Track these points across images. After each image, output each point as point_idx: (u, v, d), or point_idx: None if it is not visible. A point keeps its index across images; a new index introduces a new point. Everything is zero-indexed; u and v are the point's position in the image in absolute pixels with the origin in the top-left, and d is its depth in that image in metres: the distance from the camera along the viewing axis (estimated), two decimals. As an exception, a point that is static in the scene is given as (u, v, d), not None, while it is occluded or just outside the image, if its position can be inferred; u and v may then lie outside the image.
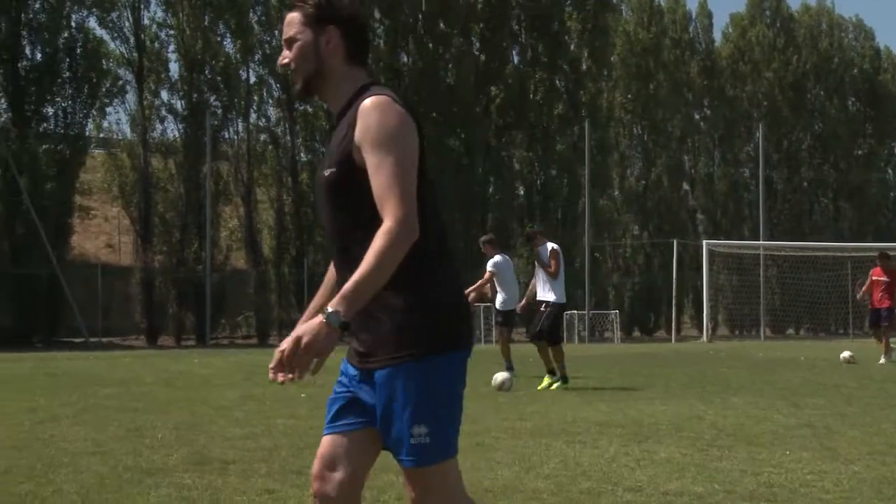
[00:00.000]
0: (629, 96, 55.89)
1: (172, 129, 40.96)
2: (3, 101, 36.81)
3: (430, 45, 44.63)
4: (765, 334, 45.20)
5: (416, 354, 2.88)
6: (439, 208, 3.03)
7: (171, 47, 40.36)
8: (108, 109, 39.69)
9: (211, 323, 38.65)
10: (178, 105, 40.35)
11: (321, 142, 43.02)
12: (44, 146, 36.76)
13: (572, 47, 51.32)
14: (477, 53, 47.49)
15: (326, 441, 3.09)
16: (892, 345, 18.27)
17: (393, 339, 2.89)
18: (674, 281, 43.36)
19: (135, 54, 39.78)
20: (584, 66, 51.57)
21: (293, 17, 3.02)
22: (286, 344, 2.75)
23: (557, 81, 50.58)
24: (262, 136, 42.77)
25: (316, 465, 3.09)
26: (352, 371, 3.06)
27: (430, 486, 3.00)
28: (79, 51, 37.87)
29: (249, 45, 41.30)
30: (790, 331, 52.43)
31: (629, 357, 17.90)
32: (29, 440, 8.02)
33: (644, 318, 54.34)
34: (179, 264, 39.67)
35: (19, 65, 36.77)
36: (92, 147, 39.51)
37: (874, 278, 18.47)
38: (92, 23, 38.33)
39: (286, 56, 3.04)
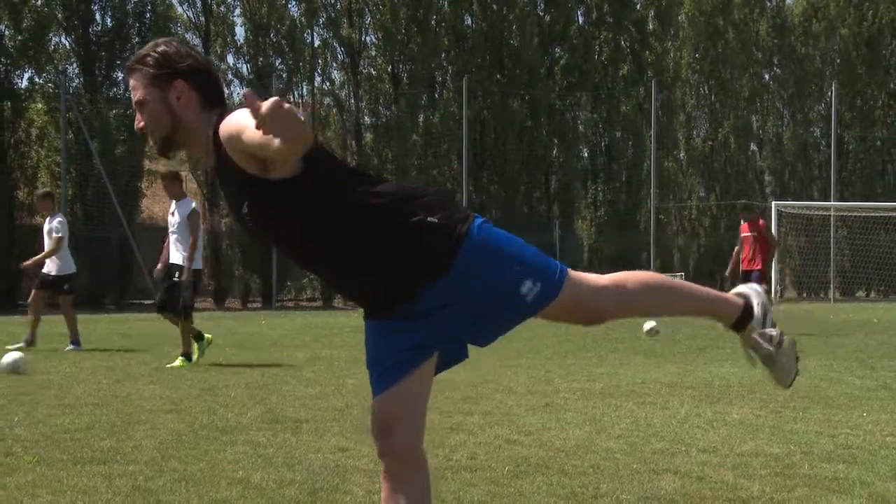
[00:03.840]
0: (696, 56, 54.96)
1: (238, 93, 41.18)
2: (75, 66, 37.32)
3: (494, 6, 44.25)
4: (834, 297, 44.48)
5: (458, 239, 3.02)
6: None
7: (237, 11, 40.58)
8: (180, 72, 39.95)
9: (276, 286, 39.04)
10: (244, 69, 40.64)
11: (385, 105, 43.00)
12: (114, 111, 37.24)
13: (638, 7, 50.56)
14: (541, 14, 47.00)
15: (380, 400, 3.22)
16: None
17: (419, 258, 2.99)
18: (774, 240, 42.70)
19: (202, 18, 40.07)
20: (651, 26, 50.80)
21: (136, 79, 2.98)
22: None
23: (623, 42, 49.89)
24: (327, 100, 42.86)
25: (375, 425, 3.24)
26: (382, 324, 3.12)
27: (574, 301, 3.15)
28: (147, 16, 38.23)
29: (314, 7, 41.29)
30: (860, 293, 51.52)
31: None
32: (108, 398, 8.19)
33: (710, 280, 53.76)
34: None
35: (90, 30, 37.24)
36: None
37: (742, 235, 16.78)
38: (161, -13, 38.62)
39: (140, 120, 3.00)
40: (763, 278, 15.76)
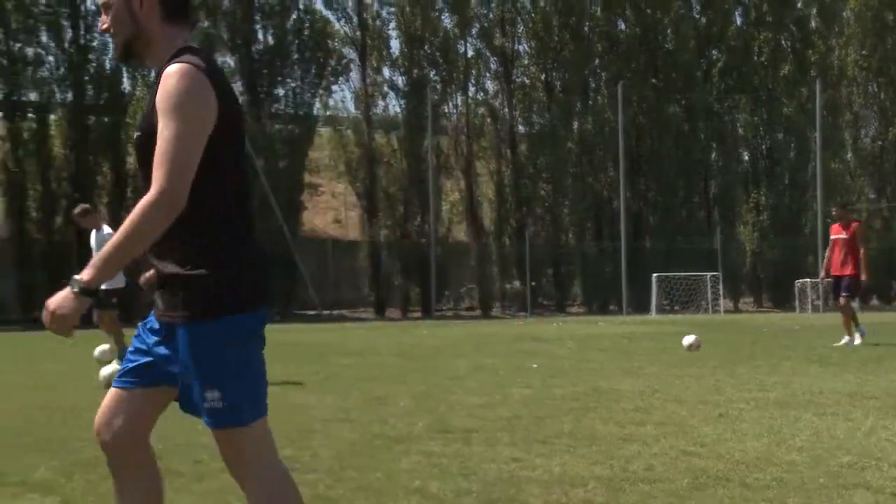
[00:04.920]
0: (863, 52, 52.84)
1: (394, 105, 41.94)
2: (238, 84, 38.67)
3: (648, 10, 43.63)
4: None
5: (200, 315, 2.88)
6: (241, 183, 2.97)
7: (392, 24, 41.30)
8: (334, 88, 41.03)
9: (439, 295, 39.54)
10: (400, 81, 41.28)
11: (538, 113, 42.94)
12: (276, 126, 38.44)
13: (799, 5, 48.98)
14: (697, 16, 46.09)
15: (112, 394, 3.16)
16: None
17: (181, 299, 2.88)
18: None
19: (358, 33, 40.93)
20: (813, 24, 49.11)
21: None
22: (44, 313, 2.81)
23: (783, 41, 48.41)
24: (481, 110, 43.07)
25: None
26: (154, 325, 3.08)
27: (236, 447, 3.02)
28: (306, 32, 39.32)
29: (467, 18, 41.66)
30: None
31: (871, 326, 17.00)
32: (281, 406, 8.38)
33: (883, 285, 51.46)
34: (404, 237, 40.66)
35: (252, 49, 38.53)
36: (319, 125, 40.95)
37: (833, 237, 15.19)
38: (318, 4, 39.69)
39: (104, 21, 3.01)
40: (855, 286, 14.57)
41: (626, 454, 5.91)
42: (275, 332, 19.39)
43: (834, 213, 15.38)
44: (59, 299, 2.77)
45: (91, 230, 12.56)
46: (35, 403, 8.95)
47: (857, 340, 14.58)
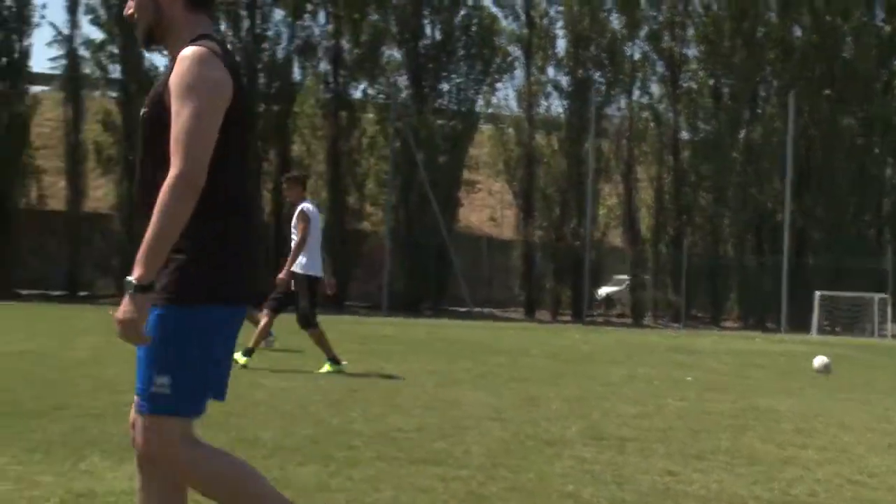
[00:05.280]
0: None
1: (557, 105, 41.68)
2: (405, 78, 39.17)
3: (828, 17, 42.02)
4: None
5: (171, 299, 2.84)
6: (241, 172, 2.98)
7: (559, 24, 41.00)
8: (498, 86, 41.01)
9: (590, 299, 39.15)
10: (564, 81, 40.98)
11: (704, 120, 41.97)
12: (438, 121, 38.78)
13: None
14: (881, 24, 44.16)
15: None
16: None
17: (163, 281, 2.84)
18: None
19: (525, 31, 40.85)
20: None
21: None
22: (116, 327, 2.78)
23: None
24: (644, 114, 42.37)
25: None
26: None
27: (152, 438, 2.91)
28: (473, 28, 39.47)
29: (635, 20, 41.05)
30: None
31: None
32: (434, 401, 8.45)
33: None
34: (558, 240, 40.40)
35: (419, 44, 38.98)
36: (481, 123, 41.05)
37: None
38: (487, 1, 39.79)
39: (129, 6, 3.02)
40: None
41: (788, 477, 5.71)
42: (427, 327, 19.80)
43: None
44: (122, 308, 2.75)
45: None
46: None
47: None
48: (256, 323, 11.17)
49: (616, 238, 43.08)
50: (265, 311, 10.92)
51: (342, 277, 36.86)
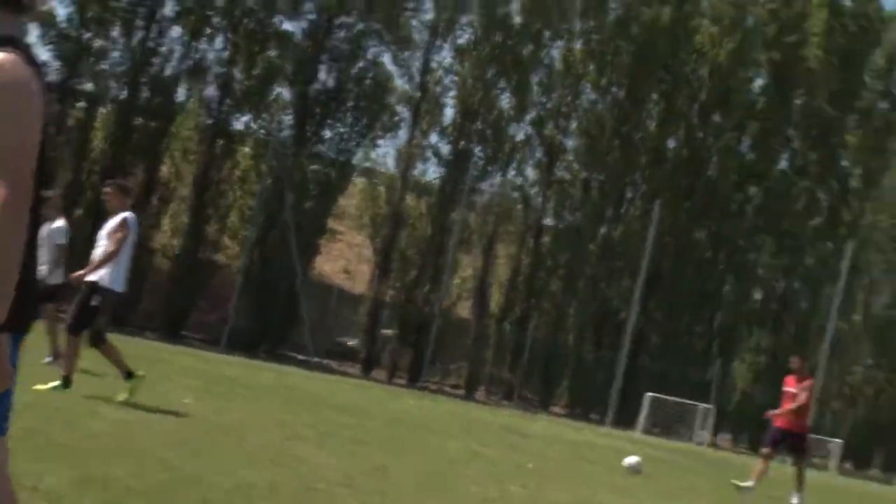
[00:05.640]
0: (893, 222, 53.25)
1: (432, 171, 42.24)
2: (290, 118, 39.04)
3: (702, 134, 44.18)
4: None
5: None
6: (36, 194, 2.61)
7: (451, 93, 41.77)
8: (379, 142, 41.36)
9: (426, 366, 39.47)
10: (445, 149, 41.63)
11: (570, 210, 43.19)
12: (314, 166, 38.76)
13: (844, 163, 49.51)
14: (744, 152, 46.66)
15: None
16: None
17: None
18: None
19: (416, 94, 41.39)
20: (853, 184, 49.61)
21: None
22: None
23: (821, 194, 48.87)
24: (515, 194, 43.39)
25: None
26: None
27: None
28: (367, 82, 39.74)
29: (524, 103, 42.18)
30: None
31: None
32: (283, 457, 8.40)
33: (864, 450, 51.21)
34: (408, 302, 40.70)
35: (311, 87, 38.95)
36: (355, 175, 41.23)
37: (786, 389, 13.86)
38: (385, 57, 40.14)
39: None
40: (804, 445, 13.84)
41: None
42: (272, 373, 19.40)
43: (793, 365, 13.98)
44: None
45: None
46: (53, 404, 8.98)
47: (794, 500, 13.55)
48: (52, 332, 10.51)
49: (464, 310, 43.67)
50: (69, 336, 9.94)
51: (185, 305, 36.25)
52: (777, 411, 13.71)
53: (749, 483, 13.28)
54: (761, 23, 46.46)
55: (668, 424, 39.02)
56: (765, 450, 13.82)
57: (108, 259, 9.92)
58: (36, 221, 2.66)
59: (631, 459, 13.67)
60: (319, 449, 9.47)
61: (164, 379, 12.89)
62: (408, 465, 9.65)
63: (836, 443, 40.28)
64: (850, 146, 49.28)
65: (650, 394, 37.01)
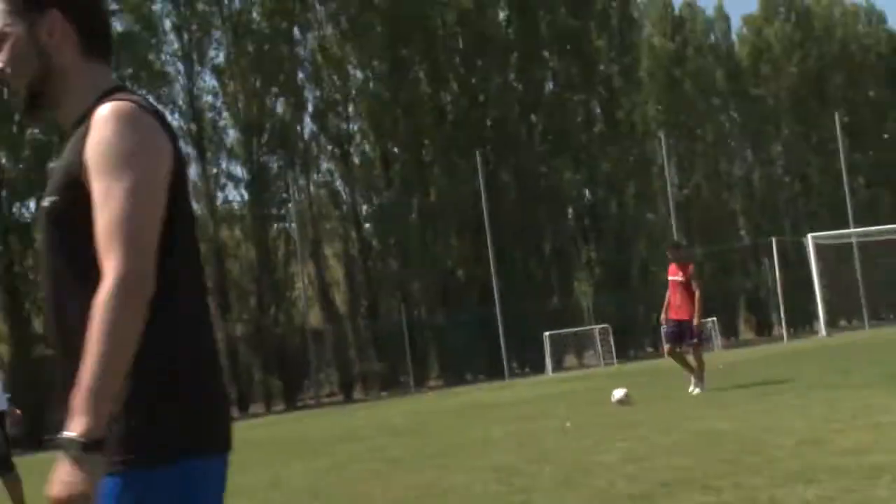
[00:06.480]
0: (658, 108, 56.33)
1: (234, 195, 41.10)
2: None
3: (473, 80, 44.92)
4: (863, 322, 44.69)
5: (131, 462, 1.94)
6: (196, 258, 2.11)
7: (225, 114, 40.61)
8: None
9: (297, 385, 38.66)
10: (239, 171, 40.54)
11: (377, 192, 43.04)
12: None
13: (601, 67, 51.69)
14: (515, 84, 47.84)
15: None
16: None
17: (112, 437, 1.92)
18: (777, 280, 42.98)
19: (192, 125, 39.99)
20: (616, 84, 51.93)
21: None
22: None
23: (593, 102, 51.02)
24: (322, 192, 42.86)
25: None
26: None
27: None
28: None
29: (301, 101, 41.57)
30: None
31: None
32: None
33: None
34: (259, 331, 39.60)
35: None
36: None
37: (670, 278, 13.70)
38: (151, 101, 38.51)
39: None
40: (694, 331, 13.37)
41: None
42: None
43: (669, 254, 14.05)
44: (64, 479, 1.88)
45: None
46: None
47: (696, 389, 13.27)
48: None
49: (317, 318, 42.99)
50: None
51: (35, 410, 33.75)
52: (663, 314, 13.67)
53: (696, 389, 13.11)
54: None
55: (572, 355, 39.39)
56: (668, 347, 13.70)
57: None
58: (205, 301, 2.11)
59: (618, 393, 13.51)
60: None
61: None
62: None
63: (709, 321, 42.09)
64: (601, 50, 51.51)
65: (549, 332, 37.41)
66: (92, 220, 1.96)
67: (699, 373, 13.27)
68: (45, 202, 2.04)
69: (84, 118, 2.06)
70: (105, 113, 2.01)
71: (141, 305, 1.89)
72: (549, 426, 11.40)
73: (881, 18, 67.40)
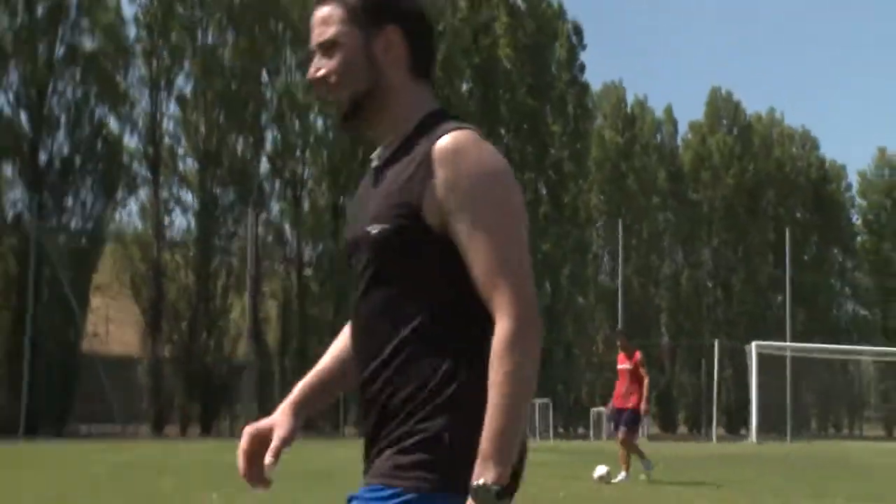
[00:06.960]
0: (601, 196, 58.09)
1: (182, 222, 41.42)
2: (18, 191, 36.85)
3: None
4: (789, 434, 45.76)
5: (422, 487, 1.87)
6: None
7: (183, 142, 41.03)
8: (128, 201, 39.94)
9: (215, 413, 38.78)
10: (191, 199, 40.86)
11: (323, 239, 43.60)
12: (61, 237, 36.79)
13: (553, 151, 53.30)
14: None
15: None
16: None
17: (408, 461, 1.89)
18: (715, 380, 44.18)
19: (150, 149, 40.25)
20: (566, 169, 53.55)
21: (330, 11, 2.07)
22: None
23: (540, 184, 52.46)
24: (270, 233, 43.29)
25: None
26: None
27: None
28: (99, 146, 38.10)
29: (260, 138, 42.19)
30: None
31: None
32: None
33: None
34: (187, 355, 39.68)
35: (40, 158, 36.82)
36: (111, 241, 39.45)
37: (619, 367, 14.01)
38: (112, 121, 38.83)
39: (323, 67, 2.05)
40: (637, 418, 13.81)
41: None
42: (49, 453, 17.63)
43: (619, 343, 14.27)
44: None
45: None
46: None
47: (643, 475, 13.60)
48: None
49: (244, 352, 43.18)
50: None
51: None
52: (612, 403, 14.22)
53: (621, 476, 13.35)
54: (457, 30, 49.04)
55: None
56: (621, 434, 13.96)
57: None
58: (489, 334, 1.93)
59: (601, 470, 13.19)
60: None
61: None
62: None
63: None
64: (555, 133, 53.20)
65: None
66: (427, 254, 1.92)
67: (627, 459, 13.58)
68: (373, 229, 1.95)
69: (408, 142, 2.00)
70: (454, 145, 1.94)
71: (538, 348, 1.88)
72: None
73: (815, 145, 70.47)
